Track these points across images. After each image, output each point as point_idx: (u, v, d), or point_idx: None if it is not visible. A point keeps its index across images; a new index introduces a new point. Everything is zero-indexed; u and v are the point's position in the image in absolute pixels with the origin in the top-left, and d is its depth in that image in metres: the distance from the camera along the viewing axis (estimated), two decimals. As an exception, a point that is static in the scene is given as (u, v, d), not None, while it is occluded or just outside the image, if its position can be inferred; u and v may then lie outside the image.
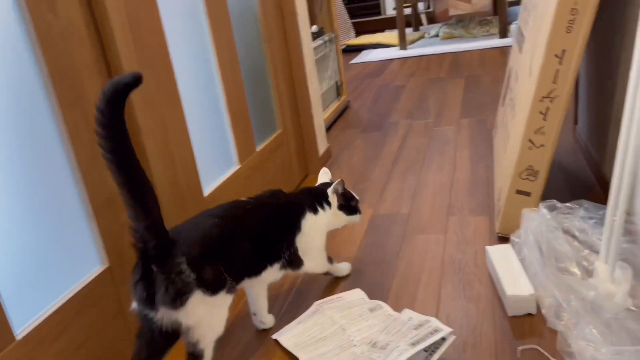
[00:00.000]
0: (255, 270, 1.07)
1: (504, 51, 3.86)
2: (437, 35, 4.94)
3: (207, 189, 1.40)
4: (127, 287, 0.95)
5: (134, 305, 0.91)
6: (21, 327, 0.89)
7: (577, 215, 1.22)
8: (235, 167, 1.55)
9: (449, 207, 1.62)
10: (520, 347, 0.99)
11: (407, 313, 1.09)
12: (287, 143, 1.93)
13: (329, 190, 1.29)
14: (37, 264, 0.93)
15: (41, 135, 0.94)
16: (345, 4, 6.23)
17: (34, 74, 0.92)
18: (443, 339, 0.98)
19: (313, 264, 1.22)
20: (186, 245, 0.92)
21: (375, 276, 1.32)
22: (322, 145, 2.18)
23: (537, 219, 1.21)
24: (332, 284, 1.32)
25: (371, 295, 1.24)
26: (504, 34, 4.23)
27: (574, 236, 1.20)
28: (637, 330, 0.92)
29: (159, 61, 1.19)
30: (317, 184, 1.36)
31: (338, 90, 2.99)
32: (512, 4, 5.85)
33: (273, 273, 1.12)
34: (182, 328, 0.92)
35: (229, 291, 0.98)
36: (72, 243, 1.00)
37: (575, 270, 1.14)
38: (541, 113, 1.21)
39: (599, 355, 0.89)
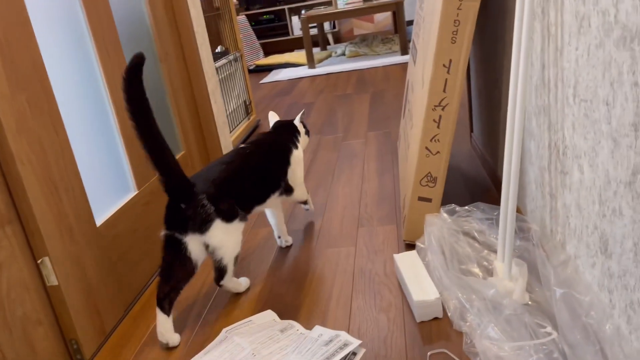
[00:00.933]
0: (261, 199, 1.34)
1: (404, 67, 4.03)
2: (343, 54, 5.07)
3: (100, 218, 1.29)
4: (7, 334, 0.86)
5: (164, 232, 1.17)
6: None
7: (475, 217, 1.26)
8: (132, 193, 1.46)
9: (359, 219, 1.63)
10: (429, 352, 1.00)
11: (318, 330, 1.06)
12: (191, 164, 1.86)
13: (296, 122, 1.62)
14: None
15: None
16: (253, 26, 6.24)
17: None
18: (354, 354, 0.96)
19: (299, 192, 1.50)
20: (204, 186, 1.18)
21: (287, 295, 1.29)
22: (230, 165, 2.12)
23: (439, 224, 1.24)
24: (242, 308, 1.26)
25: (283, 315, 1.20)
26: (404, 50, 4.43)
27: (473, 237, 1.24)
28: (534, 324, 0.95)
29: (35, 84, 1.09)
30: (273, 123, 1.62)
31: (247, 109, 2.95)
32: (410, 23, 6.16)
33: (274, 200, 1.41)
34: (209, 249, 1.19)
35: (242, 219, 1.25)
36: None
37: (477, 270, 1.17)
38: (435, 121, 1.25)
39: (502, 353, 0.91)
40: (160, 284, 1.17)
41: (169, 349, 1.16)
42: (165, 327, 1.16)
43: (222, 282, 1.25)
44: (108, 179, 1.37)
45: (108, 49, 1.39)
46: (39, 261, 1.08)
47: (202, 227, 1.15)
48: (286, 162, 1.44)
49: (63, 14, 1.25)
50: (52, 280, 1.09)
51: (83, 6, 1.31)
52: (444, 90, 1.22)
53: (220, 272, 1.23)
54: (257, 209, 1.35)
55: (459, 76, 1.21)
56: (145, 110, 1.08)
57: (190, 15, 1.83)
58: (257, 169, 1.33)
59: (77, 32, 1.29)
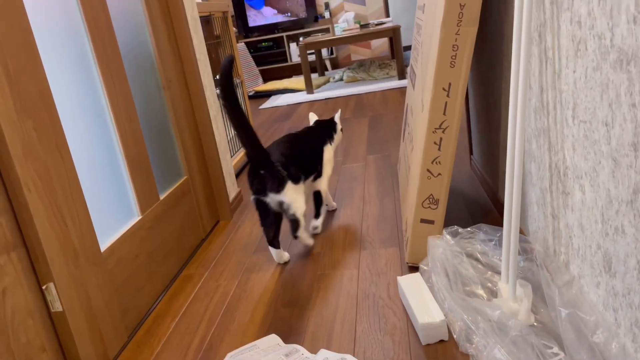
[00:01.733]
0: (310, 173, 1.66)
1: (402, 91, 4.08)
2: (341, 79, 5.14)
3: (105, 243, 1.30)
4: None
5: (253, 196, 1.52)
6: None
7: (478, 238, 1.27)
8: (136, 217, 1.47)
9: (361, 242, 1.63)
10: (436, 375, 0.99)
11: (323, 353, 1.05)
12: (194, 190, 1.87)
13: (336, 118, 1.92)
14: None
15: None
16: (252, 53, 6.34)
17: None
18: (360, 377, 0.95)
19: (324, 182, 1.75)
20: (276, 157, 1.52)
21: (291, 319, 1.28)
22: (232, 189, 2.14)
23: (442, 246, 1.25)
24: (245, 332, 1.25)
25: (287, 339, 1.20)
26: (402, 75, 4.49)
27: (477, 259, 1.24)
28: (540, 345, 0.95)
29: (41, 111, 1.11)
30: (314, 121, 1.93)
31: (247, 134, 2.97)
32: (407, 48, 6.26)
33: (308, 183, 1.67)
34: (284, 206, 1.51)
35: (304, 182, 1.59)
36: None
37: (481, 292, 1.17)
38: (435, 143, 1.27)
39: (509, 374, 0.90)
40: (266, 232, 1.57)
41: (285, 263, 1.58)
42: (280, 255, 1.58)
43: (297, 234, 1.56)
44: (112, 204, 1.38)
45: (113, 77, 1.42)
46: (44, 287, 1.08)
47: (278, 187, 1.49)
48: (322, 151, 1.76)
49: (70, 42, 1.27)
50: (57, 306, 1.09)
51: (89, 35, 1.34)
52: (444, 113, 1.24)
53: (294, 225, 1.55)
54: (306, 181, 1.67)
55: (458, 99, 1.23)
56: (235, 99, 1.42)
57: (192, 44, 1.86)
58: (306, 149, 1.68)
59: (83, 60, 1.32)
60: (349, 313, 1.26)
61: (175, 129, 1.80)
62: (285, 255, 1.60)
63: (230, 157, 2.22)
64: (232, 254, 1.71)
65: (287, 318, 1.29)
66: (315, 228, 1.73)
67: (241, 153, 2.75)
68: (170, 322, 1.36)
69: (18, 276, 1.03)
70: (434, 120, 1.25)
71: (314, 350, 1.13)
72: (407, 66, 4.67)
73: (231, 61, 1.42)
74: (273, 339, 1.19)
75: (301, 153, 1.63)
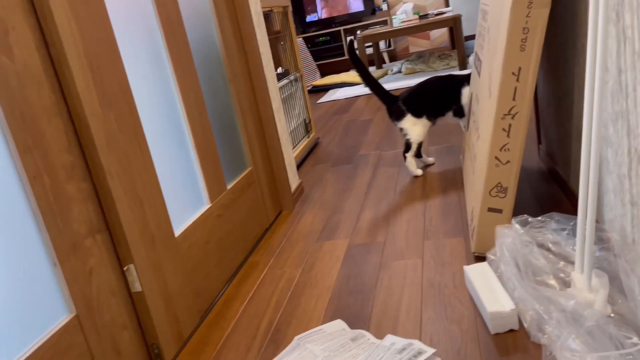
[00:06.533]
0: (441, 113, 2.12)
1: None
2: (399, 71, 5.09)
3: (178, 229, 1.36)
4: (96, 336, 0.94)
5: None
6: (-20, 386, 0.83)
7: (549, 228, 1.23)
8: (206, 206, 1.53)
9: (424, 232, 1.62)
10: (506, 364, 0.98)
11: (390, 338, 1.06)
12: (258, 180, 1.92)
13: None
14: (1, 315, 0.88)
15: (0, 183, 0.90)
16: (309, 47, 6.39)
17: (-10, 119, 0.90)
18: (428, 363, 0.96)
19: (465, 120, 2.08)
20: (403, 95, 2.12)
21: (355, 306, 1.30)
22: (293, 181, 2.17)
23: (511, 235, 1.22)
24: (311, 317, 1.28)
25: (352, 325, 1.21)
26: (463, 65, 4.39)
27: (548, 249, 1.21)
28: (619, 335, 0.91)
29: (121, 102, 1.18)
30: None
31: (307, 127, 3.01)
32: (468, 38, 6.10)
33: (449, 118, 2.13)
34: (403, 132, 2.12)
35: (429, 119, 2.11)
36: (36, 292, 0.95)
37: (553, 282, 1.14)
38: (504, 130, 1.24)
39: (585, 364, 0.88)
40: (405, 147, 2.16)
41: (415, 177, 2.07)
42: (422, 161, 2.23)
43: (405, 155, 2.12)
44: (184, 192, 1.44)
45: (184, 72, 1.48)
46: (125, 268, 1.15)
47: (398, 118, 2.12)
48: (459, 93, 2.06)
49: (145, 39, 1.34)
50: (137, 286, 1.16)
51: (163, 31, 1.40)
52: (514, 99, 1.21)
53: (406, 147, 2.13)
54: (440, 120, 2.13)
55: (529, 84, 1.20)
56: (363, 66, 2.11)
57: (256, 39, 1.91)
58: (439, 91, 2.10)
59: (157, 55, 1.39)
60: (413, 301, 1.26)
61: (241, 121, 1.86)
62: (419, 171, 2.13)
63: (291, 148, 2.26)
64: (295, 242, 1.75)
65: (352, 305, 1.30)
66: (430, 162, 2.23)
67: (301, 145, 2.79)
68: (239, 305, 1.41)
69: (102, 257, 1.11)
70: (502, 106, 1.22)
71: (379, 336, 1.14)
72: (468, 56, 4.55)
73: (352, 42, 2.20)
74: (339, 324, 1.21)
75: (431, 94, 2.10)
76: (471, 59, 4.38)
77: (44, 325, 0.96)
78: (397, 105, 2.10)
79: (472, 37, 6.13)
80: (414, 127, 2.09)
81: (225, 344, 1.25)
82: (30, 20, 0.99)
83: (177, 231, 1.35)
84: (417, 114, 2.08)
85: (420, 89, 2.13)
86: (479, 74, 1.67)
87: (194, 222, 1.43)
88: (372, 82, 2.12)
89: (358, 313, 1.26)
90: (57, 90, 1.04)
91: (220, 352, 1.22)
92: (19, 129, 0.93)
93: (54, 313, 0.98)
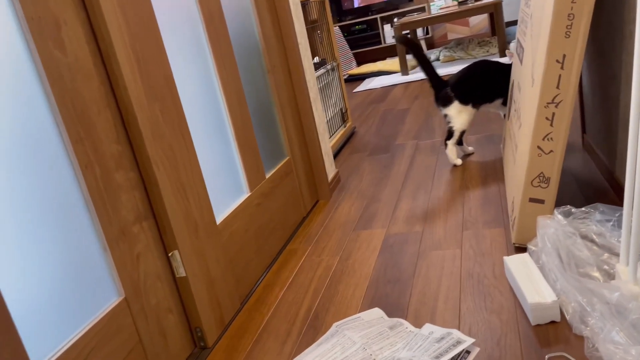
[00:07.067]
0: (490, 100, 2.09)
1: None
2: (437, 59, 5.00)
3: (220, 217, 1.40)
4: (143, 319, 0.99)
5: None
6: (40, 362, 0.88)
7: (593, 219, 1.20)
8: (246, 194, 1.56)
9: (463, 222, 1.61)
10: (547, 355, 0.97)
11: (428, 327, 1.07)
12: (295, 170, 1.94)
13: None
14: (55, 297, 0.93)
15: (54, 171, 0.95)
16: (346, 36, 6.36)
17: (45, 111, 0.95)
18: (467, 352, 0.96)
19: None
20: (452, 81, 2.09)
21: (393, 295, 1.31)
22: (330, 170, 2.19)
23: (553, 226, 1.20)
24: (349, 305, 1.30)
25: (390, 314, 1.22)
26: (503, 52, 4.28)
27: (592, 240, 1.18)
28: (666, 330, 0.89)
29: (166, 94, 1.22)
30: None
31: (343, 116, 3.01)
32: (509, 24, 5.94)
33: (497, 105, 2.11)
34: (447, 118, 2.10)
35: (474, 107, 2.07)
36: (88, 275, 1.00)
37: (597, 274, 1.12)
38: (547, 119, 1.21)
39: (628, 357, 0.86)
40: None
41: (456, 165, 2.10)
42: (462, 150, 2.20)
43: (446, 142, 2.10)
44: (225, 181, 1.48)
45: (224, 63, 1.51)
46: (170, 254, 1.20)
47: (445, 103, 2.09)
48: (508, 82, 2.02)
49: (188, 32, 1.37)
50: (181, 272, 1.20)
51: (204, 24, 1.43)
52: (558, 87, 1.18)
53: (448, 134, 2.10)
54: (484, 107, 2.12)
55: (573, 71, 1.17)
56: (417, 46, 2.13)
57: (294, 29, 1.92)
58: (489, 78, 2.07)
59: (199, 47, 1.42)
60: (452, 291, 1.26)
61: (279, 111, 1.88)
62: (459, 160, 2.12)
63: (328, 138, 2.27)
64: (333, 231, 1.77)
65: (389, 294, 1.31)
66: (470, 152, 2.21)
67: (338, 135, 2.80)
68: (278, 291, 1.44)
69: (149, 243, 1.15)
70: (546, 95, 1.20)
71: (417, 325, 1.15)
72: (509, 43, 4.44)
73: (407, 35, 2.33)
74: (377, 312, 1.23)
75: (481, 81, 2.07)
76: (512, 45, 4.27)
77: (96, 307, 1.01)
78: (445, 92, 2.07)
79: (513, 23, 5.96)
80: (459, 115, 2.06)
81: (265, 329, 1.28)
82: (80, 16, 1.03)
83: (219, 219, 1.39)
84: (464, 101, 2.05)
85: (469, 73, 2.08)
86: (521, 61, 1.64)
87: (235, 211, 1.46)
88: (426, 64, 2.09)
89: (396, 302, 1.27)
90: (106, 83, 1.08)
91: (260, 336, 1.26)
92: (71, 120, 0.98)
93: (105, 296, 1.03)
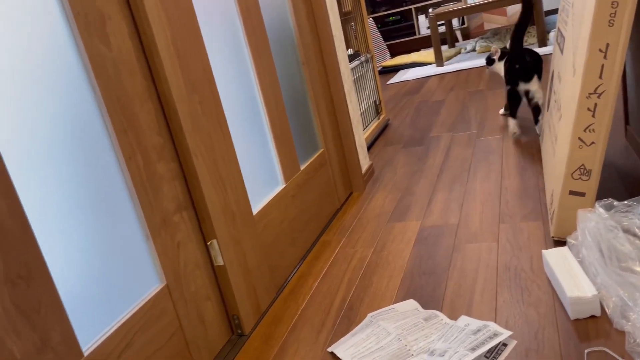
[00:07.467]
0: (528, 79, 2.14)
1: (544, 59, 3.79)
2: (473, 50, 4.91)
3: (256, 208, 1.43)
4: (183, 305, 1.02)
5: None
6: (88, 344, 0.92)
7: (636, 212, 1.17)
8: (281, 186, 1.58)
9: (500, 215, 1.59)
10: (587, 350, 0.95)
11: (464, 319, 1.06)
12: (329, 162, 1.95)
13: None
14: (102, 283, 0.97)
15: (100, 161, 0.99)
16: (379, 28, 6.31)
17: (91, 103, 0.98)
18: (504, 345, 0.95)
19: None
20: (528, 57, 2.10)
21: (428, 287, 1.30)
22: (364, 162, 2.19)
23: (594, 219, 1.17)
24: (383, 296, 1.31)
25: (425, 306, 1.22)
26: (542, 42, 4.17)
27: (634, 234, 1.15)
28: None
29: (205, 86, 1.25)
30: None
31: (377, 109, 3.00)
32: (548, 13, 5.77)
33: (535, 84, 2.13)
34: (529, 94, 2.11)
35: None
36: (131, 262, 1.04)
37: (639, 269, 1.09)
38: (589, 110, 1.18)
39: (674, 354, 0.84)
40: (511, 109, 2.20)
41: (517, 138, 2.21)
42: (515, 125, 2.19)
43: (539, 118, 2.13)
44: (261, 172, 1.50)
45: (260, 56, 1.53)
46: (208, 243, 1.23)
47: (527, 78, 2.09)
48: (541, 64, 2.20)
49: (226, 25, 1.40)
50: (219, 260, 1.23)
51: (241, 17, 1.45)
52: (600, 77, 1.15)
53: (537, 111, 2.13)
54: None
55: (617, 61, 1.13)
56: (530, 10, 2.09)
57: (329, 21, 1.92)
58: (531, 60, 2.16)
59: (236, 40, 1.44)
60: (488, 284, 1.25)
61: (313, 103, 1.89)
62: (518, 129, 2.19)
63: (362, 130, 2.27)
64: (367, 223, 1.77)
65: (424, 286, 1.31)
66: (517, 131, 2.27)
67: (372, 127, 2.79)
68: (312, 282, 1.46)
69: (188, 233, 1.19)
70: (587, 85, 1.17)
71: (453, 317, 1.14)
72: (548, 32, 4.32)
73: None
74: (411, 303, 1.23)
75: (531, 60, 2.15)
76: (552, 35, 4.16)
77: (140, 293, 1.04)
78: (527, 66, 2.09)
79: (553, 11, 5.79)
80: (540, 89, 2.11)
81: (300, 318, 1.30)
82: (124, 11, 1.06)
83: (255, 209, 1.41)
84: (540, 76, 2.14)
85: (518, 58, 2.12)
86: (561, 50, 1.60)
87: (270, 202, 1.49)
88: (518, 38, 2.11)
89: (431, 294, 1.27)
90: (148, 77, 1.11)
91: (295, 325, 1.28)
92: (116, 112, 1.01)
93: (147, 282, 1.07)
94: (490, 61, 2.44)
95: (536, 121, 2.13)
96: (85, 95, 0.97)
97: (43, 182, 0.88)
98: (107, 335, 0.95)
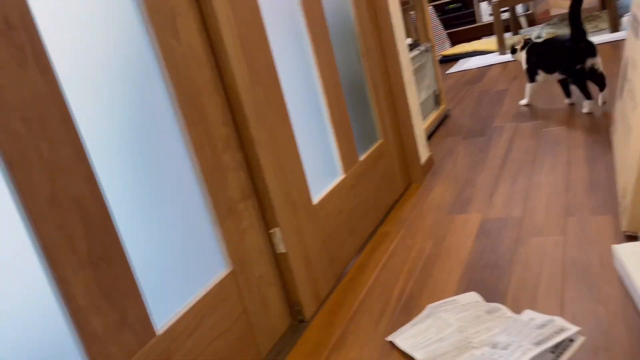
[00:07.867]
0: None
1: (616, 45, 3.58)
2: (539, 37, 4.71)
3: (316, 197, 1.45)
4: (247, 290, 1.06)
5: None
6: (160, 323, 0.98)
7: None
8: (341, 176, 1.60)
9: (567, 208, 1.53)
10: (661, 350, 0.91)
11: (529, 314, 1.04)
12: (388, 153, 1.95)
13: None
14: (174, 266, 1.02)
15: (171, 151, 1.04)
16: (439, 16, 6.18)
17: (163, 95, 1.04)
18: (571, 341, 0.93)
19: None
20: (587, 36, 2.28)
21: (490, 280, 1.28)
22: (423, 153, 2.17)
23: (672, 213, 1.11)
24: (443, 287, 1.30)
25: (487, 299, 1.21)
26: (615, 27, 3.94)
27: None
28: None
29: (268, 79, 1.28)
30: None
31: (437, 99, 2.95)
32: (622, -5, 5.42)
33: (599, 57, 2.27)
34: (595, 66, 2.26)
35: None
36: (200, 248, 1.09)
37: None
38: (668, 98, 1.12)
39: None
40: (583, 91, 2.33)
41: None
42: (590, 104, 2.33)
43: (605, 83, 2.29)
44: (320, 163, 1.52)
45: (321, 48, 1.55)
46: (270, 231, 1.27)
47: (594, 53, 2.24)
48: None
49: (288, 18, 1.42)
50: (281, 248, 1.27)
51: (303, 11, 1.47)
52: (682, 63, 1.08)
53: (603, 80, 2.30)
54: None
55: (702, 45, 1.06)
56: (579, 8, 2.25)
57: (389, 11, 1.91)
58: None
59: (298, 33, 1.46)
60: (554, 279, 1.21)
61: (372, 94, 1.89)
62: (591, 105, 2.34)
63: (421, 121, 2.25)
64: (426, 214, 1.76)
65: (486, 279, 1.29)
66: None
67: (431, 118, 2.75)
68: (371, 272, 1.47)
69: (252, 221, 1.23)
70: (667, 71, 1.10)
71: (516, 311, 1.12)
72: (621, 17, 4.07)
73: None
74: (473, 296, 1.22)
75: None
76: (625, 19, 3.92)
77: (208, 277, 1.10)
78: (591, 43, 2.25)
79: (627, -7, 5.44)
80: (599, 60, 2.27)
81: (359, 307, 1.32)
82: (193, 7, 1.11)
83: (315, 199, 1.44)
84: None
85: (562, 44, 2.35)
86: (637, 35, 1.51)
87: (330, 192, 1.51)
88: (576, 21, 2.24)
89: (493, 287, 1.25)
90: (215, 70, 1.15)
91: (355, 314, 1.30)
92: (186, 104, 1.06)
93: (215, 267, 1.12)
94: (513, 50, 2.68)
95: (602, 88, 2.31)
96: (158, 88, 1.03)
97: (121, 170, 0.94)
98: (179, 316, 1.00)
